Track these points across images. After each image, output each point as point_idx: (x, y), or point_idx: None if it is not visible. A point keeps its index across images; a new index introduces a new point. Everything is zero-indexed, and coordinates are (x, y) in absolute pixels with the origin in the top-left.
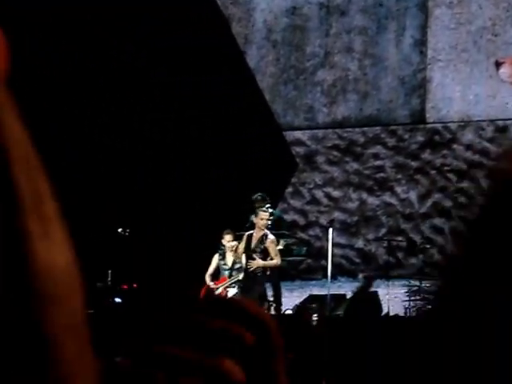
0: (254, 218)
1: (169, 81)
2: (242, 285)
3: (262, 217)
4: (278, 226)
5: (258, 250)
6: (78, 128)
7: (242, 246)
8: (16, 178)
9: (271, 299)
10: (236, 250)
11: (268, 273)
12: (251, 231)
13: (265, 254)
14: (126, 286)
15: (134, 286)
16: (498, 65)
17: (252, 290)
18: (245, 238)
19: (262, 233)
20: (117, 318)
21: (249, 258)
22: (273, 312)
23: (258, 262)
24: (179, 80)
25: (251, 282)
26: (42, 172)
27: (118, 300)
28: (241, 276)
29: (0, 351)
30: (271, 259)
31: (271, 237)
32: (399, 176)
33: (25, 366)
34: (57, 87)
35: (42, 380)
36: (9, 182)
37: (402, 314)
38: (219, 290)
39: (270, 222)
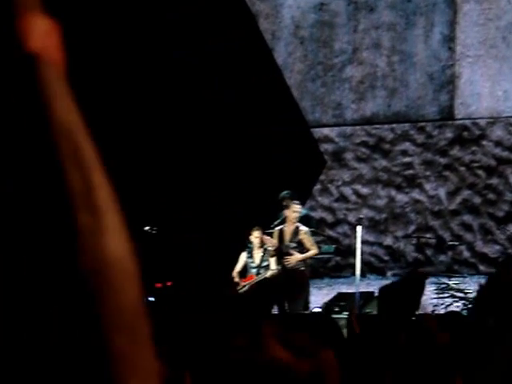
0: (285, 211)
1: (197, 79)
2: (284, 290)
3: (295, 209)
4: (306, 224)
5: (294, 243)
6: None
7: (273, 241)
8: (66, 173)
9: None
10: (263, 246)
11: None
12: (281, 226)
13: (301, 247)
14: (159, 285)
15: (168, 284)
16: None
17: (297, 298)
18: (276, 233)
19: (294, 226)
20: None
21: (284, 254)
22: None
23: (297, 257)
24: (208, 78)
25: (295, 287)
26: (95, 162)
27: (151, 299)
28: (268, 274)
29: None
30: (307, 251)
31: (304, 228)
32: (428, 173)
33: (87, 359)
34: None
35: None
36: (59, 178)
37: (430, 311)
38: (246, 288)
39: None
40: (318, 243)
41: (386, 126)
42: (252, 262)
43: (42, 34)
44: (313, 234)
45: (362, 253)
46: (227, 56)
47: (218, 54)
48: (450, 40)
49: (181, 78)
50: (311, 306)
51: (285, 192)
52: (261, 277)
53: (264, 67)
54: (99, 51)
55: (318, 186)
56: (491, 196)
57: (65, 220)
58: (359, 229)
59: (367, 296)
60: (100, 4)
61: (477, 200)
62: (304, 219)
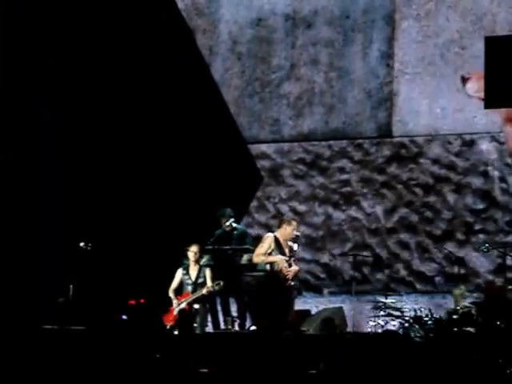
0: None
1: (133, 93)
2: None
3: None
4: (241, 241)
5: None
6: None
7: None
8: None
9: (235, 315)
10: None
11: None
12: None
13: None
14: (133, 302)
15: (142, 301)
16: (464, 80)
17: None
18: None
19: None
20: (124, 334)
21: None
22: (237, 328)
23: (295, 269)
24: (142, 92)
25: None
26: None
27: (124, 317)
28: (204, 290)
29: None
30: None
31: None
32: (365, 190)
33: None
34: None
35: None
36: None
37: (367, 329)
38: (182, 306)
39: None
40: None
41: (323, 143)
42: (188, 279)
43: None
44: (249, 251)
45: (299, 270)
46: (164, 71)
47: (155, 68)
48: (388, 57)
49: (116, 93)
50: (247, 324)
51: (222, 209)
52: (197, 294)
53: (201, 83)
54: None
55: (254, 203)
56: (428, 214)
57: None
58: (296, 246)
59: (303, 314)
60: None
61: (414, 218)
62: (240, 236)
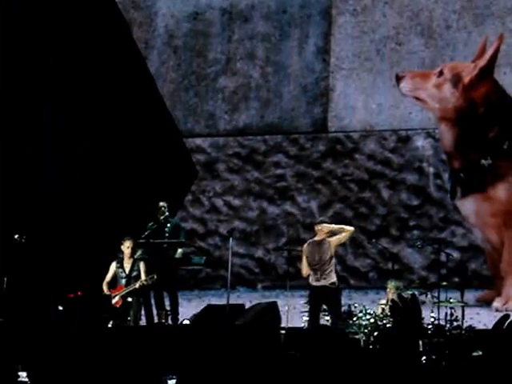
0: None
1: (66, 87)
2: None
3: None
4: (176, 235)
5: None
6: None
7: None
8: None
9: (168, 308)
10: (133, 256)
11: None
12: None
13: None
14: (71, 295)
15: (79, 294)
16: (398, 79)
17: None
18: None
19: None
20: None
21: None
22: (170, 322)
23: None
24: (77, 86)
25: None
26: None
27: (60, 308)
28: (137, 284)
29: None
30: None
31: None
32: (300, 185)
33: None
34: None
35: None
36: None
37: (300, 325)
38: (116, 299)
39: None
40: (188, 254)
41: (258, 138)
42: (122, 272)
43: None
44: (183, 245)
45: (233, 265)
46: (99, 63)
47: (91, 60)
48: (324, 52)
49: (52, 85)
50: (180, 318)
51: (159, 203)
52: (130, 287)
53: (137, 76)
54: None
55: (189, 197)
56: (363, 209)
57: None
58: (230, 240)
59: (237, 308)
60: None
61: (348, 213)
62: (174, 230)
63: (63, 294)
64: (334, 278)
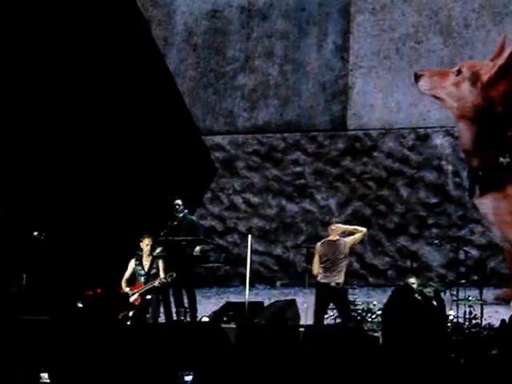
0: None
1: (87, 83)
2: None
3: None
4: (192, 232)
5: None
6: None
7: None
8: None
9: (187, 306)
10: (152, 254)
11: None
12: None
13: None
14: (90, 292)
15: (98, 291)
16: (417, 77)
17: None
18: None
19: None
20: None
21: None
22: (188, 319)
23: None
24: (98, 83)
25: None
26: None
27: (80, 305)
28: (157, 282)
29: None
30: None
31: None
32: (319, 183)
33: None
34: None
35: None
36: None
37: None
38: (135, 297)
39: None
40: (206, 252)
41: (277, 135)
42: (141, 270)
43: None
44: (201, 242)
45: (252, 262)
46: (119, 61)
47: (111, 58)
48: (343, 50)
49: (71, 82)
50: (199, 315)
51: (176, 200)
52: (149, 285)
53: (156, 73)
54: None
55: (208, 194)
56: (382, 207)
57: None
58: (249, 238)
59: (256, 306)
60: None
61: (367, 211)
62: (193, 227)
63: (82, 292)
64: (341, 279)
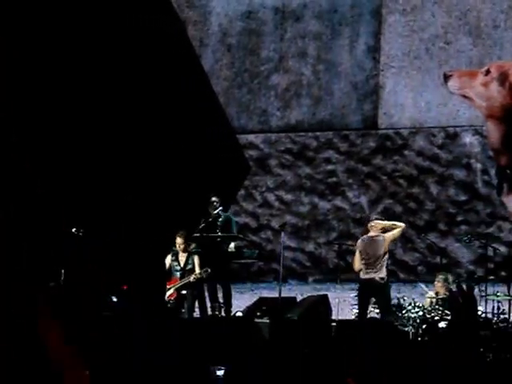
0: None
1: (124, 83)
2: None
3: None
4: (227, 229)
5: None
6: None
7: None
8: None
9: (221, 301)
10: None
11: None
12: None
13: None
14: (126, 287)
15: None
16: (446, 77)
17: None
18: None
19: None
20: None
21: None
22: (223, 314)
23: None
24: (135, 83)
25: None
26: None
27: (114, 299)
28: (192, 277)
29: None
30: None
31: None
32: (350, 181)
33: None
34: None
35: None
36: None
37: (351, 317)
38: (170, 292)
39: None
40: (240, 248)
41: (310, 134)
42: (177, 265)
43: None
44: (235, 239)
45: (285, 258)
46: (156, 61)
47: (146, 59)
48: (374, 50)
49: (109, 84)
50: (233, 310)
51: (211, 197)
52: (185, 280)
53: (191, 73)
54: None
55: (242, 192)
56: (412, 205)
57: None
58: (282, 234)
59: (289, 301)
60: None
61: (398, 209)
62: (227, 224)
63: (119, 286)
64: (383, 273)
